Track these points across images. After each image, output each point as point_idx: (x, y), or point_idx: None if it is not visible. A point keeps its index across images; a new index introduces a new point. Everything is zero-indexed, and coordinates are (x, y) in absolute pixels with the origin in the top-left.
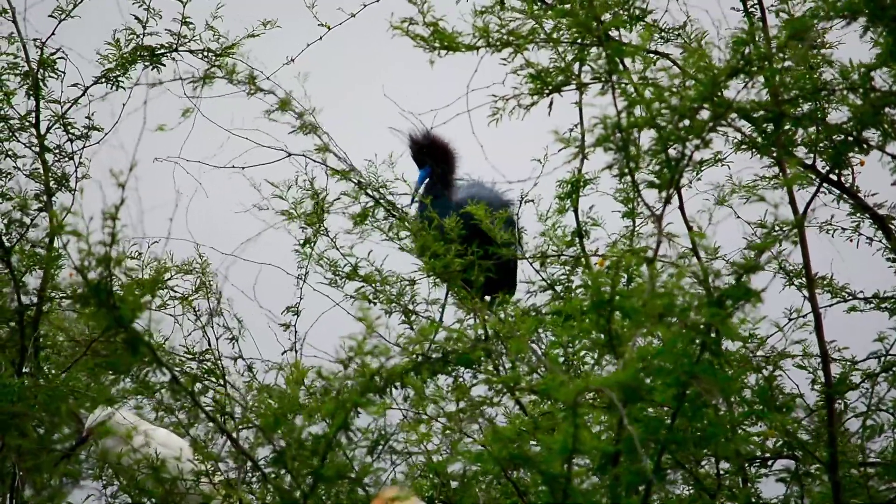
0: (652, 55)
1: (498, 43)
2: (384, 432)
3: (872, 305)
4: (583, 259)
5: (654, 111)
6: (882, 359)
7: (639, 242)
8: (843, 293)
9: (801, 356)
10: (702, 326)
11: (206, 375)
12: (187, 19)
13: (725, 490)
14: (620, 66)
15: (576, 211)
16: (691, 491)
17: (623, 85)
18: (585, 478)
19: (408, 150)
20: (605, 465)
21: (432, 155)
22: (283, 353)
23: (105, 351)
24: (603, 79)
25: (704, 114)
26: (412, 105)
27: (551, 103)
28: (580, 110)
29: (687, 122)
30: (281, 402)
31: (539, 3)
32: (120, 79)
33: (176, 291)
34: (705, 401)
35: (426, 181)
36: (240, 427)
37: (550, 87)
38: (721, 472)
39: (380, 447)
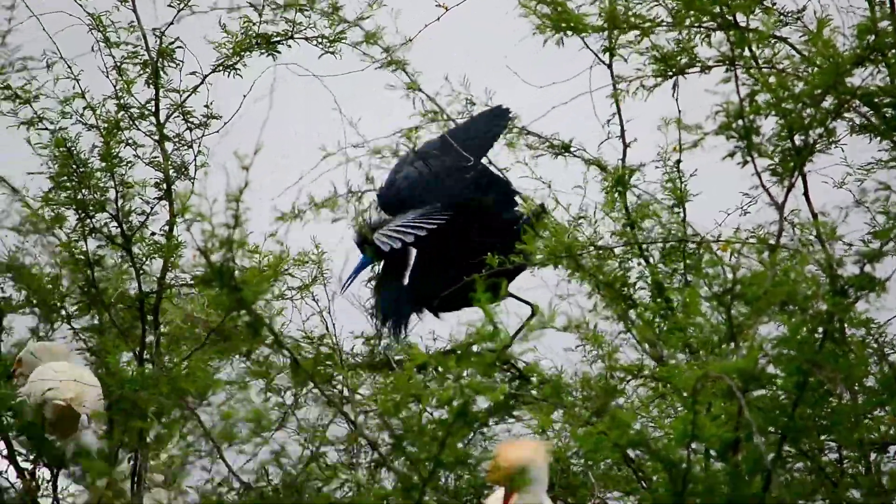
0: (773, 40)
1: (624, 25)
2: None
3: None
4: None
5: (779, 98)
6: None
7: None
8: None
9: None
10: (824, 315)
11: (324, 360)
12: (302, 6)
13: (848, 478)
14: (744, 52)
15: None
16: (813, 478)
17: (747, 70)
18: (705, 465)
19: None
20: (724, 452)
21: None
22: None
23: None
24: (726, 63)
25: (827, 101)
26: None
27: (675, 85)
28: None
29: (810, 110)
30: (400, 387)
31: None
32: (236, 66)
33: (294, 276)
34: (828, 389)
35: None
36: (358, 411)
37: (674, 70)
38: (844, 459)
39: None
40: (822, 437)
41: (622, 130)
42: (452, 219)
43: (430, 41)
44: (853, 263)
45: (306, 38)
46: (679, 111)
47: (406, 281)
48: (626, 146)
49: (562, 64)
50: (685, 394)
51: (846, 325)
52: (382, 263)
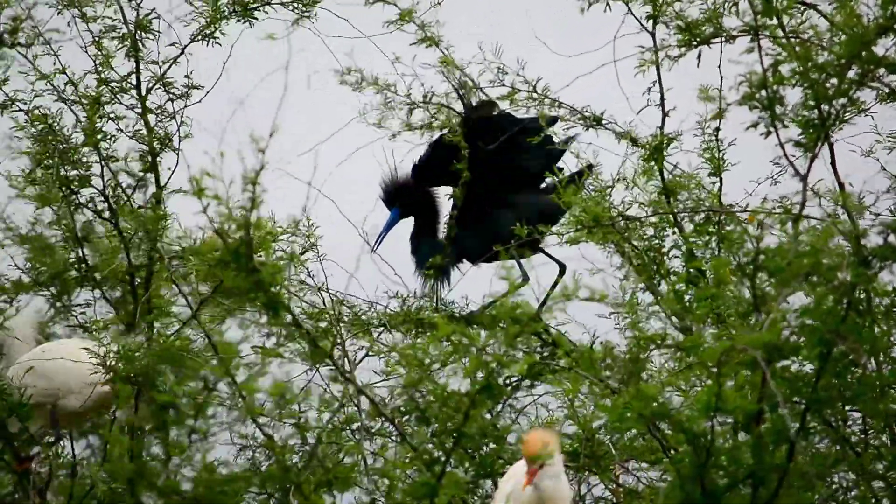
0: (800, 6)
1: None
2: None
3: None
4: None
5: (805, 67)
6: None
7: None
8: None
9: None
10: (848, 285)
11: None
12: None
13: (872, 449)
14: (769, 21)
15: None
16: (837, 450)
17: (774, 39)
18: (728, 436)
19: (381, 191)
20: (748, 423)
21: (410, 202)
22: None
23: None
24: (750, 32)
25: (852, 70)
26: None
27: (699, 55)
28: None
29: (835, 80)
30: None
31: None
32: (215, 35)
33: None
34: (853, 359)
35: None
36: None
37: (699, 40)
38: (868, 429)
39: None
40: (847, 408)
41: (662, 99)
42: (477, 156)
43: (455, 8)
44: (877, 234)
45: (282, 4)
46: (721, 78)
47: (441, 235)
48: (664, 114)
49: (585, 35)
50: (710, 365)
51: (872, 296)
52: (414, 220)
